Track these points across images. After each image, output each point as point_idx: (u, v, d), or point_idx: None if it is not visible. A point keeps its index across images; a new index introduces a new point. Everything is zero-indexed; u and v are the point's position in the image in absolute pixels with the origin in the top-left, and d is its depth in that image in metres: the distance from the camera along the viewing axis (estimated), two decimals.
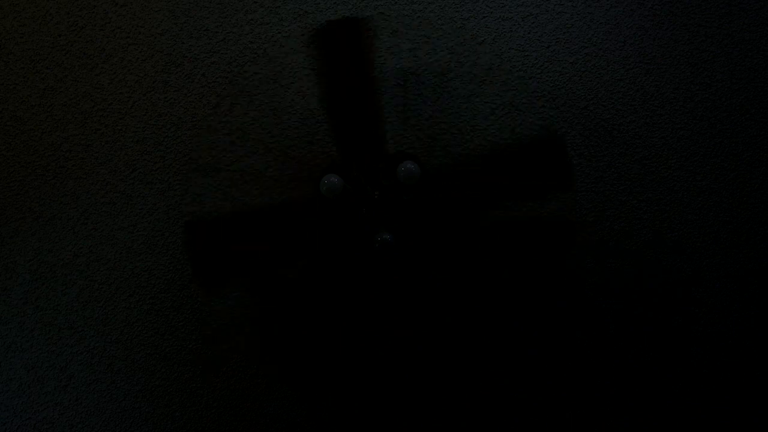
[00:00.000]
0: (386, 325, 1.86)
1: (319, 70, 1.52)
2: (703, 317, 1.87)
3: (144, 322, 1.87)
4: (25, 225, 1.85)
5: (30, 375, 1.88)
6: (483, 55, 1.83)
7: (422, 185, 1.56)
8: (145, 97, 1.84)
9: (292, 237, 1.56)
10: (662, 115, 1.84)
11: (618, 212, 1.85)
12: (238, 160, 1.84)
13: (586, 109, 1.84)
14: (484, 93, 1.83)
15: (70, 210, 1.85)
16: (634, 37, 1.84)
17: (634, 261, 1.86)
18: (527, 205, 1.74)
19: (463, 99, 1.82)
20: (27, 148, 1.84)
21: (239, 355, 1.86)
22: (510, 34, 1.84)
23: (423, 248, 1.66)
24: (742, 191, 1.85)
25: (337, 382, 1.88)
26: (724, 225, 1.86)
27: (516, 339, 1.87)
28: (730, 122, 1.85)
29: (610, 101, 1.84)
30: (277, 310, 1.85)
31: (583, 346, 1.88)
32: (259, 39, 1.84)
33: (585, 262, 1.86)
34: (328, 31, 1.50)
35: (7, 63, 1.84)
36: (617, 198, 1.85)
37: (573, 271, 1.85)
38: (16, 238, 1.85)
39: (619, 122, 1.84)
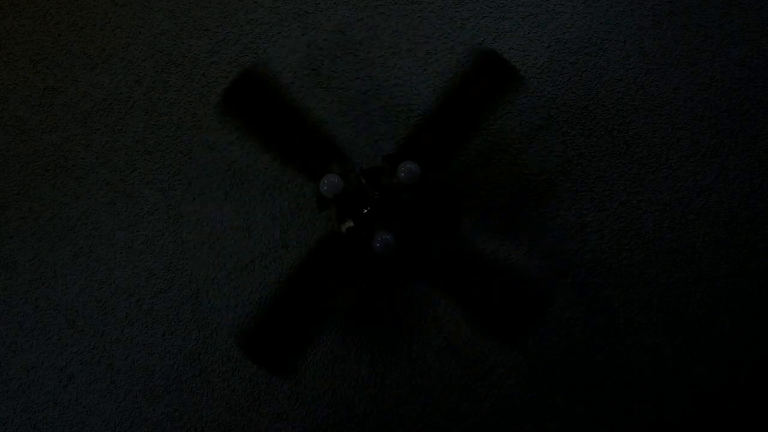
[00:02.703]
0: (386, 325, 1.86)
1: (241, 123, 1.57)
2: (703, 317, 1.87)
3: (144, 322, 1.87)
4: (25, 225, 1.85)
5: (30, 375, 1.88)
6: (483, 55, 1.83)
7: (422, 185, 1.57)
8: (145, 97, 1.84)
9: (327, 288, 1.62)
10: (662, 115, 1.84)
11: (618, 212, 1.85)
12: (239, 160, 1.84)
13: (586, 109, 1.84)
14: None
15: (70, 210, 1.85)
16: (634, 37, 1.84)
17: (634, 261, 1.86)
18: (496, 114, 1.76)
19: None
20: (27, 148, 1.84)
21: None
22: (510, 34, 1.84)
23: (423, 248, 1.66)
24: (742, 191, 1.85)
25: (335, 381, 1.88)
26: (724, 225, 1.86)
27: (514, 337, 1.87)
28: (730, 122, 1.85)
29: (610, 101, 1.84)
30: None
31: (583, 347, 1.88)
32: (259, 39, 1.84)
33: (584, 262, 1.86)
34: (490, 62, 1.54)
35: (7, 63, 1.84)
36: (617, 198, 1.85)
37: (573, 271, 1.86)
38: (16, 238, 1.85)
39: (619, 122, 1.84)
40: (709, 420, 1.90)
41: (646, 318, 1.87)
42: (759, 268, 1.86)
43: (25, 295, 1.86)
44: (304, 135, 1.59)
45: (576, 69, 1.84)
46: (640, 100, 1.84)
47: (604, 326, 1.87)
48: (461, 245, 1.85)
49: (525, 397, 1.88)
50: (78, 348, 1.87)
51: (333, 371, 1.87)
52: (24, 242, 1.85)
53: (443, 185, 1.83)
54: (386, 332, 1.86)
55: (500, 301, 1.62)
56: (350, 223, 1.60)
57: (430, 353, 1.87)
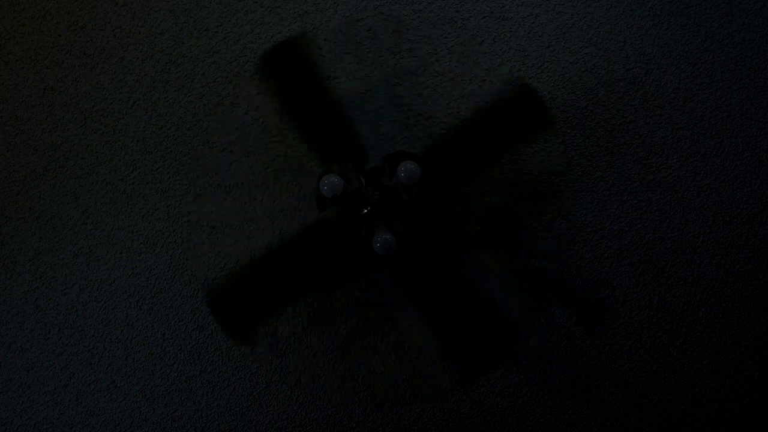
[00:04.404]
0: (386, 325, 1.86)
1: (275, 91, 1.57)
2: (703, 317, 1.87)
3: (144, 322, 1.87)
4: (25, 225, 1.85)
5: (30, 375, 1.88)
6: (483, 55, 1.83)
7: (422, 185, 1.57)
8: (145, 96, 1.84)
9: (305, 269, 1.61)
10: (662, 115, 1.84)
11: (618, 212, 1.85)
12: (239, 160, 1.84)
13: (586, 109, 1.84)
14: (484, 93, 1.83)
15: (70, 210, 1.85)
16: (634, 37, 1.84)
17: (633, 261, 1.86)
18: (516, 153, 1.77)
19: (463, 99, 1.82)
20: (27, 148, 1.84)
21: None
22: (510, 34, 1.84)
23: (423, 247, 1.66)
24: (742, 191, 1.85)
25: (335, 381, 1.88)
26: (724, 225, 1.86)
27: (513, 335, 1.87)
28: (730, 122, 1.85)
29: (610, 101, 1.84)
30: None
31: (583, 347, 1.88)
32: (259, 39, 1.84)
33: (584, 262, 1.86)
34: (273, 56, 1.54)
35: (7, 63, 1.84)
36: (617, 198, 1.85)
37: (571, 271, 1.86)
38: (16, 238, 1.85)
39: (619, 122, 1.84)
40: (710, 420, 1.90)
41: (646, 318, 1.87)
42: (759, 268, 1.86)
43: (25, 295, 1.86)
44: (329, 117, 1.58)
45: (576, 69, 1.84)
46: (640, 100, 1.84)
47: (604, 326, 1.87)
48: (461, 245, 1.85)
49: (525, 397, 1.88)
50: (78, 348, 1.87)
51: (333, 371, 1.87)
52: (24, 242, 1.85)
53: (443, 185, 1.83)
54: (386, 332, 1.86)
55: (496, 307, 1.63)
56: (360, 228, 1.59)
57: (429, 353, 1.87)
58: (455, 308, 1.65)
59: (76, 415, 1.89)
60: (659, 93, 1.84)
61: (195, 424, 1.89)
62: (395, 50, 1.83)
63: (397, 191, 1.60)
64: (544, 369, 1.88)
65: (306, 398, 1.88)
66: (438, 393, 1.86)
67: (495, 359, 1.76)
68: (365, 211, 1.59)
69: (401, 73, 1.83)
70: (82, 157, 1.84)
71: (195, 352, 1.87)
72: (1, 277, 1.85)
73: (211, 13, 1.84)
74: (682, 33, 1.84)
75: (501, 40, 1.83)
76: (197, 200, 1.84)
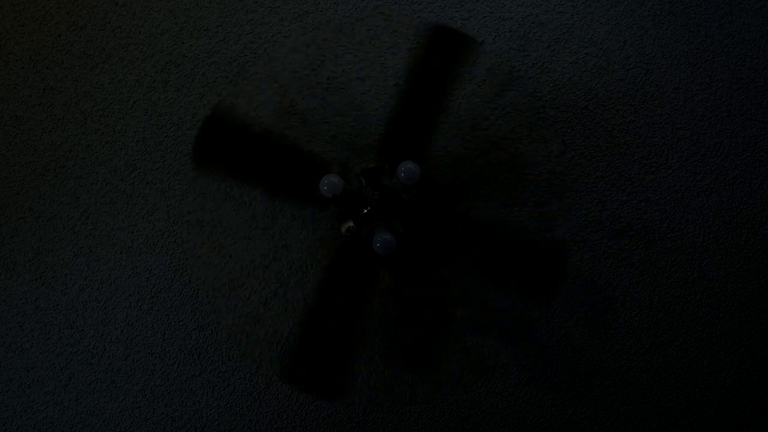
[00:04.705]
0: (386, 325, 1.86)
1: (414, 66, 1.57)
2: (703, 317, 1.87)
3: (144, 322, 1.87)
4: (25, 225, 1.85)
5: (30, 375, 1.88)
6: (484, 55, 1.83)
7: (422, 185, 1.57)
8: (145, 96, 1.84)
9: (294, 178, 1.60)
10: (662, 115, 1.84)
11: (618, 212, 1.85)
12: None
13: (586, 109, 1.84)
14: (484, 93, 1.83)
15: (70, 210, 1.85)
16: (634, 37, 1.84)
17: (634, 261, 1.86)
18: (456, 87, 1.78)
19: (463, 99, 1.82)
20: (27, 148, 1.84)
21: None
22: (510, 34, 1.84)
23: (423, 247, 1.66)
24: (742, 191, 1.85)
25: (334, 380, 1.88)
26: (724, 225, 1.86)
27: (513, 337, 1.87)
28: (730, 122, 1.85)
29: (610, 101, 1.84)
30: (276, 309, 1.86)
31: (583, 347, 1.88)
32: (259, 39, 1.84)
33: (584, 262, 1.86)
34: (440, 36, 1.55)
35: (7, 63, 1.84)
36: (617, 198, 1.85)
37: (572, 270, 1.85)
38: (16, 238, 1.85)
39: (619, 122, 1.84)
40: (710, 420, 1.90)
41: (646, 318, 1.87)
42: (759, 268, 1.86)
43: (25, 295, 1.86)
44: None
45: (576, 69, 1.84)
46: (640, 100, 1.84)
47: (604, 326, 1.87)
48: (460, 245, 1.85)
49: (525, 397, 1.88)
50: (78, 348, 1.87)
51: (332, 371, 1.87)
52: (24, 242, 1.85)
53: (443, 186, 1.83)
54: (386, 332, 1.86)
55: (497, 304, 1.63)
56: (350, 223, 1.60)
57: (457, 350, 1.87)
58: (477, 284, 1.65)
59: (76, 415, 1.89)
60: (659, 93, 1.84)
61: (195, 424, 1.89)
62: (395, 50, 1.83)
63: (397, 191, 1.60)
64: (544, 369, 1.88)
65: (306, 398, 1.88)
66: (438, 392, 1.86)
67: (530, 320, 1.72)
68: (365, 211, 1.60)
69: (401, 73, 1.83)
70: (82, 157, 1.84)
71: (195, 352, 1.87)
72: (1, 277, 1.85)
73: (211, 13, 1.84)
74: (682, 33, 1.84)
75: (501, 40, 1.83)
76: (197, 200, 1.84)
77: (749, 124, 1.85)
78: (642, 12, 1.84)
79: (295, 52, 1.83)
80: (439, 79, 1.57)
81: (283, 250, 1.85)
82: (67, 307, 1.86)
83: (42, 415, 1.89)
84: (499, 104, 1.83)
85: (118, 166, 1.84)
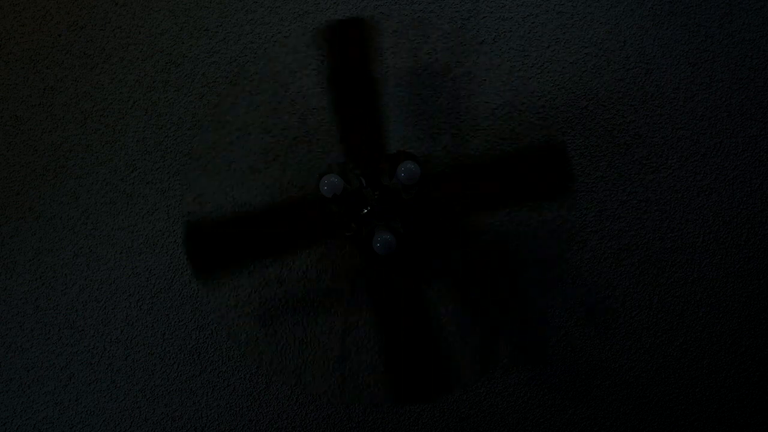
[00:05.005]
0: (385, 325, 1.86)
1: (326, 67, 1.55)
2: (703, 317, 1.87)
3: (144, 322, 1.87)
4: (25, 225, 1.85)
5: (30, 375, 1.88)
6: (483, 55, 1.83)
7: (422, 185, 1.57)
8: (145, 96, 1.84)
9: (292, 234, 1.60)
10: (662, 115, 1.84)
11: (618, 212, 1.85)
12: (238, 160, 1.84)
13: (586, 109, 1.84)
14: (484, 93, 1.83)
15: (70, 210, 1.85)
16: (634, 37, 1.84)
17: (634, 261, 1.86)
18: (528, 206, 1.78)
19: (463, 99, 1.82)
20: (27, 148, 1.84)
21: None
22: (510, 34, 1.84)
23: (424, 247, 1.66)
24: (742, 191, 1.85)
25: (334, 381, 1.88)
26: (724, 225, 1.86)
27: (514, 339, 1.87)
28: (730, 122, 1.85)
29: (610, 101, 1.84)
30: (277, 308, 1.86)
31: (583, 347, 1.88)
32: (259, 39, 1.84)
33: (584, 262, 1.86)
34: (335, 29, 1.52)
35: (7, 63, 1.84)
36: (617, 198, 1.85)
37: (572, 270, 1.86)
38: (16, 238, 1.85)
39: (619, 122, 1.84)
40: (710, 420, 1.90)
41: (646, 318, 1.87)
42: (759, 268, 1.86)
43: (25, 295, 1.86)
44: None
45: (576, 69, 1.84)
46: (640, 100, 1.84)
47: (604, 326, 1.87)
48: (459, 245, 1.85)
49: (525, 397, 1.88)
50: (78, 348, 1.87)
51: (332, 371, 1.87)
52: (24, 242, 1.85)
53: (443, 185, 1.83)
54: (386, 333, 1.86)
55: (496, 304, 1.63)
56: (350, 223, 1.60)
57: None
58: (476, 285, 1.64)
59: (76, 415, 1.89)
60: (659, 93, 1.84)
61: (195, 424, 1.89)
62: (395, 50, 1.83)
63: (397, 191, 1.60)
64: (544, 369, 1.88)
65: (306, 398, 1.88)
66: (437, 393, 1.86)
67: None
68: (365, 211, 1.60)
69: (402, 73, 1.83)
70: (82, 157, 1.84)
71: (195, 352, 1.87)
72: (1, 277, 1.85)
73: (211, 13, 1.84)
74: (682, 33, 1.84)
75: (501, 40, 1.83)
76: (197, 200, 1.84)
77: (749, 124, 1.85)
78: (642, 12, 1.84)
79: (296, 52, 1.83)
80: (359, 69, 1.56)
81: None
82: (67, 307, 1.86)
83: (42, 415, 1.88)
84: (499, 104, 1.83)
85: (118, 166, 1.84)
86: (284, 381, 1.88)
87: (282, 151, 1.83)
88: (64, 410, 1.88)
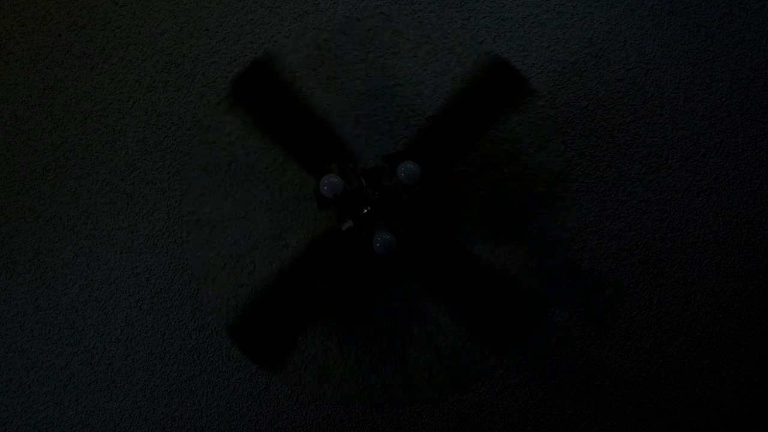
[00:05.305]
0: (385, 325, 1.86)
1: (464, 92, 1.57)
2: (703, 317, 1.87)
3: (144, 322, 1.87)
4: (25, 225, 1.85)
5: (30, 375, 1.88)
6: (483, 55, 1.83)
7: (422, 185, 1.57)
8: (145, 96, 1.84)
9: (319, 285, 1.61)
10: (662, 115, 1.84)
11: (618, 212, 1.85)
12: (239, 160, 1.84)
13: (586, 109, 1.84)
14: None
15: (70, 210, 1.85)
16: (634, 37, 1.84)
17: (634, 261, 1.86)
18: (506, 118, 1.77)
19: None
20: (27, 148, 1.84)
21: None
22: (510, 34, 1.84)
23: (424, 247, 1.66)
24: (742, 191, 1.85)
25: (334, 381, 1.88)
26: (724, 225, 1.86)
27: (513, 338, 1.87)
28: (730, 122, 1.85)
29: (610, 101, 1.84)
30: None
31: (583, 347, 1.88)
32: (259, 39, 1.84)
33: (584, 262, 1.86)
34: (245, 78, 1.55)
35: (7, 63, 1.84)
36: (617, 198, 1.85)
37: (572, 271, 1.86)
38: (16, 238, 1.85)
39: (619, 122, 1.84)
40: (710, 420, 1.90)
41: (646, 318, 1.87)
42: (759, 268, 1.86)
43: (25, 295, 1.86)
44: (309, 130, 1.59)
45: (576, 69, 1.84)
46: (640, 100, 1.84)
47: (604, 326, 1.87)
48: (459, 246, 1.85)
49: (525, 397, 1.88)
50: (78, 348, 1.87)
51: (332, 371, 1.87)
52: (24, 242, 1.85)
53: (443, 185, 1.83)
54: (385, 332, 1.86)
55: (496, 304, 1.62)
56: (350, 223, 1.60)
57: (429, 353, 1.87)
58: (476, 285, 1.64)
59: (76, 415, 1.89)
60: (659, 93, 1.84)
61: (195, 424, 1.89)
62: (395, 50, 1.83)
63: (397, 191, 1.60)
64: (544, 369, 1.88)
65: (306, 398, 1.88)
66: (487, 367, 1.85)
67: (528, 323, 1.74)
68: (365, 211, 1.60)
69: (401, 73, 1.83)
70: (82, 157, 1.84)
71: (195, 352, 1.87)
72: (1, 277, 1.85)
73: (211, 13, 1.84)
74: (682, 33, 1.84)
75: (501, 40, 1.83)
76: (197, 200, 1.84)
77: (749, 124, 1.85)
78: (642, 12, 1.84)
79: (296, 52, 1.83)
80: (484, 113, 1.57)
81: (284, 250, 1.85)
82: (67, 307, 1.86)
83: (42, 415, 1.89)
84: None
85: (118, 166, 1.84)
86: (284, 381, 1.88)
87: (282, 151, 1.83)
88: (64, 410, 1.89)
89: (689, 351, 1.88)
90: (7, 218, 1.84)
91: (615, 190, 1.85)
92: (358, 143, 1.84)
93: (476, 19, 1.83)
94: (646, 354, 1.88)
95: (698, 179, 1.85)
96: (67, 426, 1.89)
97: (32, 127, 1.84)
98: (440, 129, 1.58)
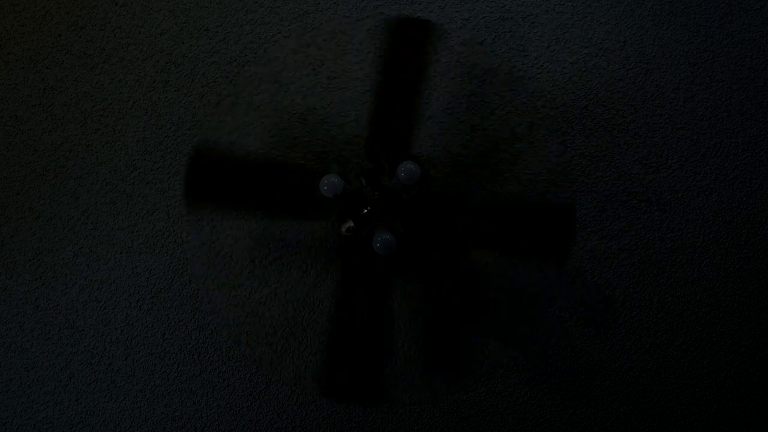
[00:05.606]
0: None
1: (380, 63, 1.59)
2: (703, 317, 1.87)
3: (144, 322, 1.87)
4: (25, 225, 1.85)
5: (30, 375, 1.88)
6: (483, 55, 1.83)
7: (422, 185, 1.57)
8: (145, 96, 1.84)
9: (290, 197, 1.62)
10: (662, 115, 1.84)
11: (618, 212, 1.85)
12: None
13: (586, 109, 1.84)
14: (484, 93, 1.83)
15: (70, 210, 1.85)
16: (634, 37, 1.84)
17: (633, 261, 1.86)
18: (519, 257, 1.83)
19: (462, 99, 1.82)
20: (27, 148, 1.84)
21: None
22: (510, 34, 1.84)
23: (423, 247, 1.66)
24: (742, 191, 1.85)
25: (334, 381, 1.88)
26: (724, 225, 1.86)
27: (514, 341, 1.87)
28: (730, 122, 1.85)
29: (610, 101, 1.84)
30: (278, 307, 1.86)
31: (583, 347, 1.88)
32: (259, 39, 1.84)
33: (584, 262, 1.86)
34: (400, 27, 1.56)
35: (7, 63, 1.84)
36: (617, 198, 1.85)
37: (572, 270, 1.86)
38: (16, 238, 1.85)
39: (619, 122, 1.84)
40: (710, 420, 1.90)
41: (646, 318, 1.87)
42: (759, 268, 1.86)
43: (25, 295, 1.86)
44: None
45: (576, 69, 1.84)
46: (640, 100, 1.84)
47: (604, 326, 1.87)
48: (459, 246, 1.85)
49: (525, 397, 1.88)
50: (78, 348, 1.87)
51: (331, 371, 1.87)
52: (24, 242, 1.85)
53: (443, 186, 1.83)
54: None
55: (496, 304, 1.63)
56: (350, 223, 1.60)
57: (430, 352, 1.87)
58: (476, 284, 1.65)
59: (76, 415, 1.89)
60: (659, 93, 1.84)
61: (195, 424, 1.89)
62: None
63: (397, 191, 1.60)
64: (544, 369, 1.88)
65: (306, 398, 1.88)
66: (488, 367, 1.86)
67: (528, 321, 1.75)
68: (365, 211, 1.60)
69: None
70: (82, 157, 1.84)
71: (195, 352, 1.87)
72: (1, 277, 1.85)
73: (211, 13, 1.84)
74: (682, 33, 1.84)
75: (501, 40, 1.83)
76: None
77: (749, 124, 1.85)
78: (642, 12, 1.84)
79: (296, 53, 1.83)
80: (411, 70, 1.58)
81: (283, 249, 1.85)
82: (67, 307, 1.86)
83: (42, 415, 1.89)
84: (499, 104, 1.83)
85: (118, 166, 1.84)
86: (284, 381, 1.88)
87: (282, 151, 1.83)
88: (64, 410, 1.89)
89: (689, 351, 1.88)
90: (7, 218, 1.84)
91: (615, 190, 1.85)
92: (358, 143, 1.84)
93: (476, 19, 1.83)
94: (646, 354, 1.88)
95: (698, 179, 1.85)
96: (67, 426, 1.89)
97: (32, 127, 1.84)
98: (385, 105, 1.59)
